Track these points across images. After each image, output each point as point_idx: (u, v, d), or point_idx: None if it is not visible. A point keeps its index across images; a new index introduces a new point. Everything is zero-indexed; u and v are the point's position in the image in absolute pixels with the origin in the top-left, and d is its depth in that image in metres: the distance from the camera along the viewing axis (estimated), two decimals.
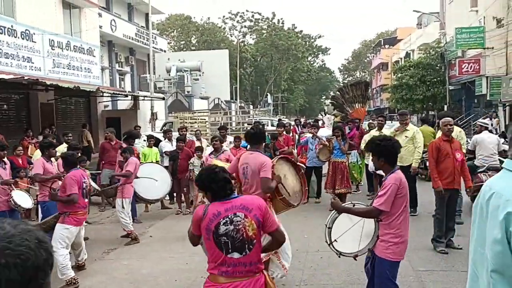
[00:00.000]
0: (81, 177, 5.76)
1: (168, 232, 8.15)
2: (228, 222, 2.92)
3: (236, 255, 2.92)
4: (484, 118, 16.05)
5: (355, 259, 4.03)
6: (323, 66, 73.04)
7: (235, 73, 38.53)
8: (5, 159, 6.51)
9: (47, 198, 6.35)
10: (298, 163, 5.84)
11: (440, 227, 6.37)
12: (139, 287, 5.42)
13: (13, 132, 12.73)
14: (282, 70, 53.76)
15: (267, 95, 51.35)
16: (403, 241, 3.68)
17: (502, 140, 16.13)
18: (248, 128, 4.80)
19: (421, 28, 41.20)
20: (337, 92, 15.43)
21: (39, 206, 6.85)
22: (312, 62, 64.53)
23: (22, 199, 6.33)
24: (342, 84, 49.93)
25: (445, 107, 26.46)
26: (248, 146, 5.00)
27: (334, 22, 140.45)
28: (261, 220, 2.96)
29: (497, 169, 7.35)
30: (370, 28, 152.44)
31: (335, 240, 4.00)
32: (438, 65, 29.73)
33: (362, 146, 9.37)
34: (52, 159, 6.71)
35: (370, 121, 12.49)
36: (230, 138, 11.53)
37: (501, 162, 12.61)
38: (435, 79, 29.04)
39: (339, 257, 4.12)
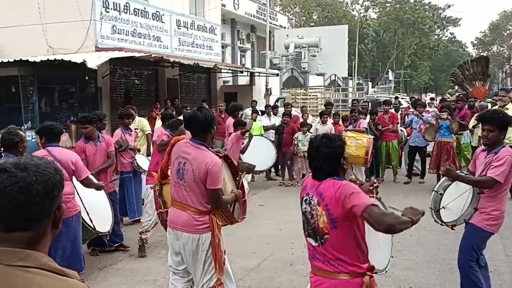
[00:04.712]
0: None
1: (269, 201, 8.73)
2: (308, 201, 2.64)
3: (311, 241, 2.64)
4: None
5: (453, 229, 4.10)
6: (453, 39, 67.44)
7: (355, 49, 37.69)
8: (131, 127, 7.56)
9: None
10: (236, 163, 4.28)
11: None
12: (232, 246, 6.00)
13: (144, 104, 14.32)
14: (405, 46, 51.03)
15: (388, 71, 49.32)
16: (503, 215, 3.74)
17: None
18: (193, 111, 3.59)
19: None
20: (457, 69, 14.50)
21: None
22: (440, 36, 59.99)
23: (144, 162, 7.33)
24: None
25: None
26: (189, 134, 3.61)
27: None
28: (334, 214, 2.47)
29: None
30: None
31: (443, 207, 3.99)
32: None
33: (471, 125, 8.94)
34: None
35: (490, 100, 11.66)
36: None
37: None
38: None
39: (441, 225, 4.12)
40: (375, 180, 3.26)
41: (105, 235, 5.22)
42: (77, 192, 4.63)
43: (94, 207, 4.93)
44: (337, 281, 2.50)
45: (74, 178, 4.52)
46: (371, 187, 3.03)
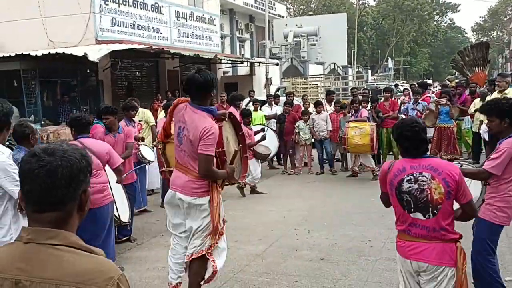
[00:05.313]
0: None
1: (273, 190, 8.83)
2: (412, 180, 2.84)
3: (419, 215, 2.85)
4: None
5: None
6: (452, 25, 67.13)
7: (354, 37, 37.58)
8: (135, 119, 7.61)
9: None
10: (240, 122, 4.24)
11: None
12: (238, 233, 6.11)
13: (145, 96, 14.36)
14: (405, 33, 50.88)
15: (387, 59, 49.22)
16: (510, 206, 3.57)
17: None
18: (192, 73, 3.39)
19: None
20: (457, 55, 14.55)
21: None
22: (439, 22, 59.75)
23: (148, 152, 7.40)
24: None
25: None
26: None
27: None
28: (452, 186, 2.79)
29: None
30: None
31: None
32: None
33: (471, 110, 9.02)
34: None
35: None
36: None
37: None
38: None
39: None
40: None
41: (126, 224, 5.33)
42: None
43: (116, 197, 5.01)
44: (435, 244, 2.82)
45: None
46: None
